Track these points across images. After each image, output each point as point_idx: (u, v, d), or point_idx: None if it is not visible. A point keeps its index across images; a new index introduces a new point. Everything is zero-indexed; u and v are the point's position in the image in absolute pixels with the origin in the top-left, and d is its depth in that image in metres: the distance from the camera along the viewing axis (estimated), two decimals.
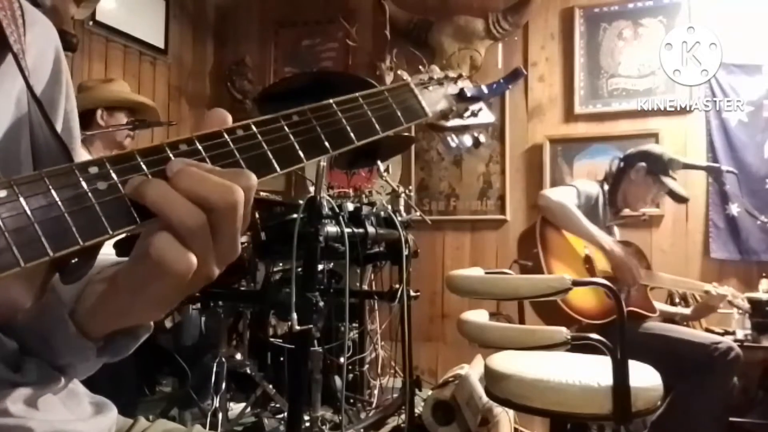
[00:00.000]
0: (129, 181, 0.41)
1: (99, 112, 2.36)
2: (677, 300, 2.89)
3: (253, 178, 0.44)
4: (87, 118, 2.30)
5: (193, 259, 0.41)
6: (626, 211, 2.58)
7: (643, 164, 2.41)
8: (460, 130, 0.74)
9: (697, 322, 2.86)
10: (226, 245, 0.44)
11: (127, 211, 0.40)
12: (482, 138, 0.76)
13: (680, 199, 2.59)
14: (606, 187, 2.44)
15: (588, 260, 2.25)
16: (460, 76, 0.75)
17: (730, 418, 2.36)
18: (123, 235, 0.41)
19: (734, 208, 3.19)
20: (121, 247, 0.44)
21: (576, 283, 1.65)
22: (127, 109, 2.43)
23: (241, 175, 0.43)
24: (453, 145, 0.74)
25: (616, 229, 2.52)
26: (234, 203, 0.42)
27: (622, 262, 2.22)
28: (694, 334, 2.24)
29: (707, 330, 2.77)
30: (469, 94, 0.73)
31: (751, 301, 2.80)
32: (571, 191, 2.29)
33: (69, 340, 0.56)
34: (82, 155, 0.68)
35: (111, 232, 0.39)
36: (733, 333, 2.79)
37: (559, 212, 2.20)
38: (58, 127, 0.64)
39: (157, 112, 2.57)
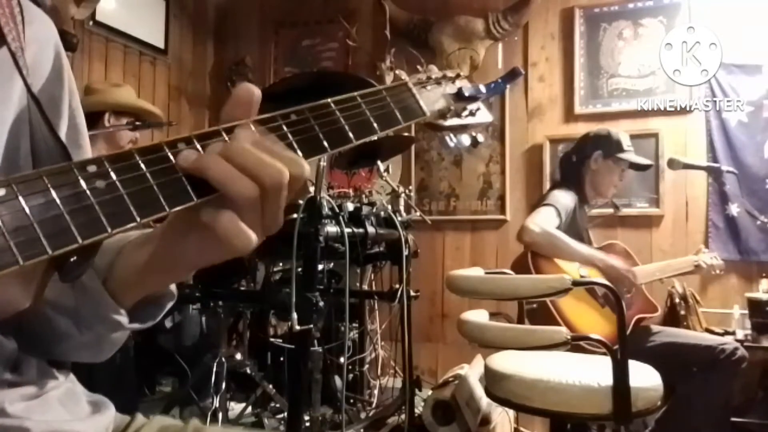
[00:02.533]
0: (183, 154, 0.44)
1: (107, 116, 2.37)
2: (677, 300, 2.89)
3: (304, 165, 0.49)
4: (94, 121, 2.32)
5: (254, 236, 0.46)
6: (597, 211, 2.61)
7: (599, 151, 2.40)
8: (458, 129, 0.74)
9: (697, 322, 2.87)
10: (271, 216, 0.48)
11: (125, 209, 0.41)
12: (480, 137, 0.76)
13: (643, 167, 2.57)
14: (573, 188, 2.40)
15: None
16: (458, 76, 0.75)
17: (731, 419, 2.36)
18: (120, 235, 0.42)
19: (734, 208, 3.19)
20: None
21: (576, 283, 1.66)
22: (133, 114, 2.44)
23: (294, 162, 0.48)
24: (451, 144, 0.74)
25: (590, 233, 2.51)
26: (281, 183, 0.46)
27: (618, 273, 2.21)
28: (701, 337, 2.23)
29: (707, 330, 2.78)
30: (467, 94, 0.73)
31: (751, 301, 2.80)
32: (551, 213, 2.22)
33: (102, 309, 0.57)
34: (90, 152, 0.68)
35: (110, 231, 0.40)
36: (733, 333, 2.79)
37: (546, 244, 2.15)
38: (64, 125, 0.65)
39: (162, 120, 2.58)
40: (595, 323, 2.07)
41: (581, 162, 2.43)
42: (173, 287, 0.64)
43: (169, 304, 0.64)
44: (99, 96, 2.45)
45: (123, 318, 0.58)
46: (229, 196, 0.45)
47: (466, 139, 0.75)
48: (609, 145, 2.41)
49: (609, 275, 2.20)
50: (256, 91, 0.50)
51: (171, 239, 0.53)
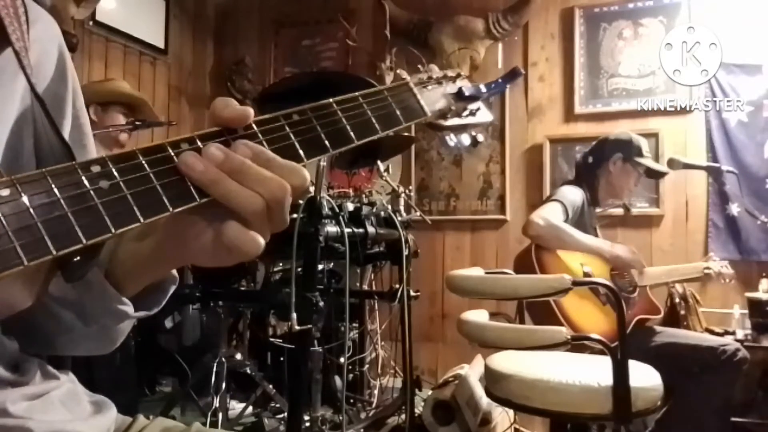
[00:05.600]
0: (185, 161, 0.45)
1: (92, 109, 2.35)
2: (677, 300, 2.89)
3: (305, 174, 0.49)
4: None
5: (262, 240, 0.47)
6: (608, 210, 2.61)
7: (620, 154, 2.40)
8: (459, 129, 0.74)
9: (697, 322, 2.87)
10: (277, 221, 0.49)
11: (129, 210, 0.41)
12: (480, 137, 0.76)
13: (659, 174, 2.58)
14: (584, 187, 2.40)
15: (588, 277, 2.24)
16: (458, 76, 0.75)
17: (731, 419, 2.36)
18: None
19: (734, 208, 3.19)
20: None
21: (576, 283, 1.65)
22: (121, 104, 2.41)
23: (295, 172, 0.49)
24: (451, 144, 0.74)
25: (599, 231, 2.51)
26: (284, 197, 0.48)
27: (624, 260, 2.23)
28: (702, 338, 2.23)
29: (707, 330, 2.78)
30: (467, 94, 0.73)
31: (751, 301, 2.80)
32: (557, 208, 2.22)
33: (107, 302, 0.57)
34: (94, 152, 0.68)
35: (113, 231, 0.40)
36: (733, 333, 2.79)
37: (551, 236, 2.15)
38: (68, 125, 0.65)
39: (150, 107, 2.55)
40: (596, 320, 2.07)
41: (598, 164, 2.43)
42: (174, 272, 0.64)
43: (172, 288, 0.64)
44: (82, 90, 2.43)
45: (128, 308, 0.59)
46: (235, 211, 0.46)
47: (466, 139, 0.75)
48: (630, 149, 2.40)
49: (616, 261, 2.22)
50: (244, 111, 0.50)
51: (174, 235, 0.53)
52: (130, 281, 0.59)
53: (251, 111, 0.50)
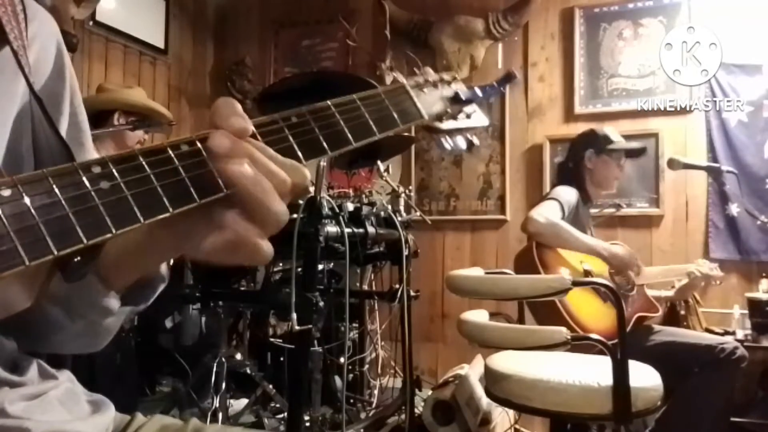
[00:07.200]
0: (213, 151, 0.45)
1: (116, 115, 2.38)
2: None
3: (306, 173, 0.50)
4: (103, 120, 2.34)
5: (271, 250, 0.47)
6: (604, 211, 2.65)
7: (590, 150, 2.44)
8: (454, 132, 0.74)
9: (697, 322, 2.87)
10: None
11: (129, 210, 0.41)
12: (476, 140, 0.77)
13: (638, 152, 2.59)
14: (575, 187, 2.42)
15: (588, 275, 2.25)
16: (454, 79, 0.75)
17: (731, 418, 2.36)
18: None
19: (734, 208, 3.20)
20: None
21: (576, 283, 1.66)
22: (142, 115, 2.44)
23: (297, 170, 0.49)
24: (447, 147, 0.75)
25: (593, 231, 2.52)
26: (284, 193, 0.48)
27: (622, 260, 2.24)
28: (701, 336, 2.24)
29: (707, 330, 2.78)
30: (463, 97, 0.74)
31: (751, 301, 2.81)
32: (554, 206, 2.25)
33: (92, 295, 0.57)
34: (92, 150, 0.68)
35: (114, 231, 0.40)
36: (733, 333, 2.79)
37: (550, 233, 2.17)
38: (65, 123, 0.65)
39: (170, 122, 2.58)
40: (598, 315, 2.07)
41: (577, 165, 2.47)
42: (164, 271, 0.64)
43: (161, 287, 0.64)
44: (111, 95, 2.47)
45: (114, 302, 0.57)
46: (246, 198, 0.46)
47: (461, 142, 0.75)
48: (597, 142, 2.45)
49: (614, 261, 2.23)
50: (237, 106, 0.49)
51: (167, 228, 0.51)
52: (118, 274, 0.57)
53: (251, 127, 0.49)
